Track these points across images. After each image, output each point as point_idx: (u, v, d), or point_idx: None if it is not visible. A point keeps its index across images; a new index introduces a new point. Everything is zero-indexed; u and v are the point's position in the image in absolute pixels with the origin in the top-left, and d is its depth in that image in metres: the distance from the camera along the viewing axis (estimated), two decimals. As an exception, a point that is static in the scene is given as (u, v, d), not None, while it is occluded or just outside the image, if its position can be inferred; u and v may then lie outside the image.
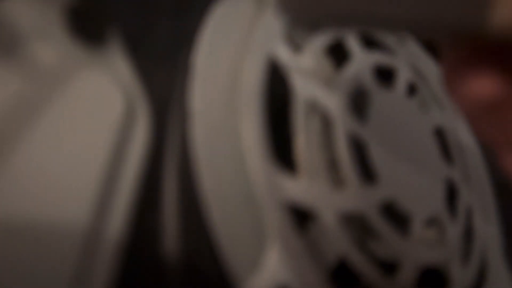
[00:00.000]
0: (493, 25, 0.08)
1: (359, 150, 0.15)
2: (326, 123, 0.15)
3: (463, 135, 0.21)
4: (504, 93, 0.09)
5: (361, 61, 0.17)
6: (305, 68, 0.15)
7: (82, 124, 0.11)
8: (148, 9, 0.13)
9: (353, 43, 0.17)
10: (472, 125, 0.09)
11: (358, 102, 0.16)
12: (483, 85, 0.09)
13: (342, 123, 0.15)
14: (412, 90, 0.19)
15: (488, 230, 0.20)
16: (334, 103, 0.15)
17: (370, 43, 0.18)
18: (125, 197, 0.11)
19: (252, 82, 0.14)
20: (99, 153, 0.11)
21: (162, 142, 0.12)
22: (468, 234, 0.19)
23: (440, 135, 0.19)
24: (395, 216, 0.16)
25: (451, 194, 0.18)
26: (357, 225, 0.15)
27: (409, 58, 0.20)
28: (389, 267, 0.15)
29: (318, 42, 0.16)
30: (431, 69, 0.21)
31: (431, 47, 0.24)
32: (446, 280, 0.17)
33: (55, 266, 0.10)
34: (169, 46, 0.13)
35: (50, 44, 0.11)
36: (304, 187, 0.13)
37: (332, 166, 0.15)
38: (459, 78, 0.09)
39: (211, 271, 0.12)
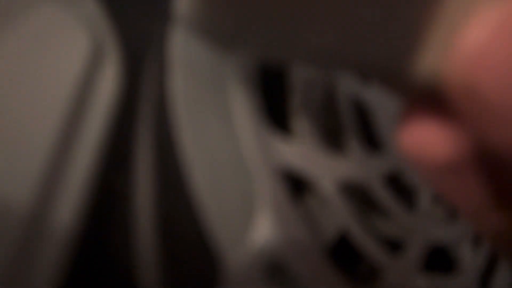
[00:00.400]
0: (421, 70, 0.08)
1: (363, 117, 0.14)
2: (328, 84, 0.13)
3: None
4: (455, 151, 0.08)
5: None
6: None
7: (36, 65, 0.09)
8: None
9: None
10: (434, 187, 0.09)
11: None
12: (431, 146, 0.08)
13: (346, 85, 0.13)
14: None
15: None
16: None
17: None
18: (86, 157, 0.10)
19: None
20: (55, 102, 0.09)
21: (135, 92, 0.11)
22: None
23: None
24: (401, 189, 0.14)
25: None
26: (359, 197, 0.13)
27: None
28: (394, 245, 0.13)
29: None
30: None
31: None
32: (454, 262, 0.15)
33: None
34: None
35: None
36: (300, 152, 0.12)
37: (333, 131, 0.13)
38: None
39: (192, 243, 0.10)
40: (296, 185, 0.12)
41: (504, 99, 0.07)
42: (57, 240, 0.09)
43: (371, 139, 0.14)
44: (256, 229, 0.11)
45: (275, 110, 0.12)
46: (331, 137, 0.13)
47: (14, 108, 0.09)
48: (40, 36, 0.09)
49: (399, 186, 0.14)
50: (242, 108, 0.11)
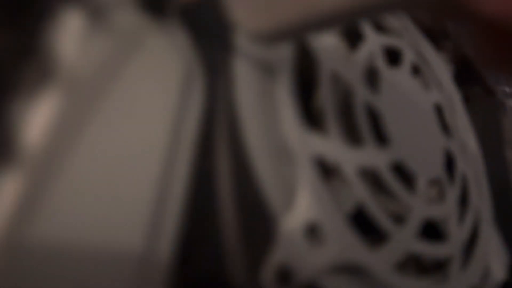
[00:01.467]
0: None
1: (374, 117, 0.18)
2: (346, 93, 0.17)
3: (459, 115, 0.24)
4: None
5: (373, 42, 0.19)
6: (328, 45, 0.17)
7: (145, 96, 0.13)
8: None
9: (366, 27, 0.19)
10: None
11: (371, 78, 0.19)
12: None
13: (360, 93, 0.17)
14: (415, 70, 0.22)
15: (480, 198, 0.22)
16: (352, 76, 0.17)
17: (379, 27, 0.21)
18: (180, 193, 0.13)
19: (283, 57, 0.16)
20: (157, 138, 0.13)
21: (213, 108, 0.14)
22: (464, 199, 0.21)
23: (439, 112, 0.22)
24: (403, 175, 0.18)
25: (449, 163, 0.21)
26: (372, 180, 0.17)
27: (413, 42, 0.22)
28: (398, 218, 0.17)
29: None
30: (430, 53, 0.24)
31: (430, 35, 0.26)
32: (444, 234, 0.19)
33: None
34: (217, 23, 0.16)
35: (125, 14, 0.13)
36: (329, 145, 0.16)
37: (353, 129, 0.17)
38: None
39: (256, 209, 0.14)
40: (325, 168, 0.16)
41: None
42: (161, 277, 0.12)
43: (380, 135, 0.18)
44: (298, 204, 0.15)
45: (310, 109, 0.16)
46: (352, 132, 0.17)
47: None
48: (152, 64, 0.13)
49: (402, 173, 0.18)
50: (287, 112, 0.15)
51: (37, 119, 0.11)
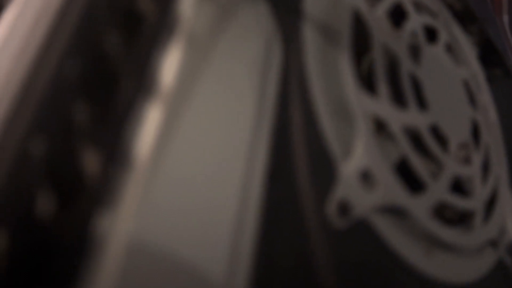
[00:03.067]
0: None
1: (416, 85, 0.20)
2: (393, 62, 0.20)
3: (483, 91, 0.26)
4: None
5: (415, 21, 0.22)
6: (380, 19, 0.20)
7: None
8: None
9: (410, 7, 0.22)
10: None
11: (414, 51, 0.21)
12: None
13: (405, 64, 0.20)
14: (449, 48, 0.24)
15: (499, 166, 0.25)
16: (399, 48, 0.20)
17: (420, 7, 0.23)
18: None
19: (344, 29, 0.19)
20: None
21: (288, 68, 0.17)
22: (486, 164, 0.24)
23: (467, 86, 0.25)
24: (438, 137, 0.21)
25: (475, 131, 0.24)
26: (413, 139, 0.20)
27: (447, 23, 0.25)
28: (433, 173, 0.20)
29: (386, 3, 0.21)
30: (460, 35, 0.26)
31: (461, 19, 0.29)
32: (469, 191, 0.22)
33: None
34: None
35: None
36: (380, 105, 0.19)
37: (399, 94, 0.20)
38: None
39: (322, 156, 0.17)
40: (377, 126, 0.19)
41: None
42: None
43: (420, 100, 0.20)
44: (356, 153, 0.17)
45: (365, 77, 0.19)
46: (399, 97, 0.20)
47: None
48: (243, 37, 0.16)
49: (437, 134, 0.21)
50: (347, 77, 0.18)
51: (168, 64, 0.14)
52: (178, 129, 0.13)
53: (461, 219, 0.22)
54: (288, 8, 0.18)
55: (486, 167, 0.24)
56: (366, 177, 0.18)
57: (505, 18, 0.62)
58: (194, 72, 0.14)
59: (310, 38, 0.18)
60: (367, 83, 0.19)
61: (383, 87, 0.19)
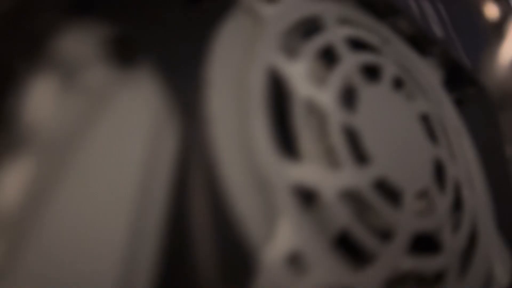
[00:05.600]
0: None
1: (352, 137, 0.18)
2: (322, 116, 0.18)
3: (449, 119, 0.24)
4: None
5: (349, 61, 0.19)
6: (301, 71, 0.18)
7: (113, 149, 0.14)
8: (175, 34, 0.16)
9: (341, 46, 0.20)
10: None
11: (348, 97, 0.19)
12: None
13: (334, 116, 0.17)
14: (397, 83, 0.22)
15: (476, 200, 0.22)
16: (327, 99, 0.18)
17: (357, 44, 0.21)
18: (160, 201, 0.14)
19: (256, 89, 0.17)
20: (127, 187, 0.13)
21: (188, 148, 0.15)
22: (458, 205, 0.21)
23: (426, 121, 0.22)
24: (388, 191, 0.18)
25: (439, 171, 0.21)
26: (355, 201, 0.17)
27: (395, 54, 0.23)
28: (385, 235, 0.17)
29: (310, 47, 0.19)
30: (415, 62, 0.24)
31: (416, 43, 0.26)
32: (438, 245, 0.19)
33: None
34: (189, 62, 0.16)
35: (92, 71, 0.14)
36: (306, 171, 0.16)
37: (330, 153, 0.17)
38: None
39: (236, 244, 0.15)
40: (306, 195, 0.16)
41: None
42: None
43: (361, 154, 0.18)
44: (279, 233, 0.15)
45: (286, 139, 0.17)
46: (330, 156, 0.17)
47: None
48: (119, 118, 0.14)
49: (387, 188, 0.18)
50: (262, 144, 0.16)
51: (12, 184, 0.12)
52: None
53: (437, 278, 0.19)
54: (188, 76, 0.16)
55: (458, 207, 0.21)
56: (296, 261, 0.15)
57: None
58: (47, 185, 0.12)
59: (216, 105, 0.16)
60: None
61: (308, 147, 0.17)
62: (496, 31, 0.15)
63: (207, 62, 0.16)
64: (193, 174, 0.15)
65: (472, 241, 0.21)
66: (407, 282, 0.18)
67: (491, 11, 0.15)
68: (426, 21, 0.50)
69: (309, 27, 0.20)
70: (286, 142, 0.17)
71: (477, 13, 0.56)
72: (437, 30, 0.47)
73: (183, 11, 0.17)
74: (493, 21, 0.16)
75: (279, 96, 0.17)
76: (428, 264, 0.18)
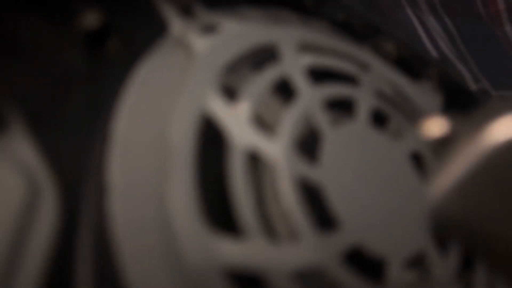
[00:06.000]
0: None
1: (313, 196, 0.14)
2: (270, 172, 0.14)
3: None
4: None
5: (309, 97, 0.16)
6: (243, 116, 0.14)
7: None
8: (57, 79, 0.12)
9: (299, 79, 0.16)
10: None
11: (309, 143, 0.15)
12: None
13: (288, 169, 0.14)
14: (379, 118, 0.18)
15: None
16: (277, 148, 0.14)
17: (327, 75, 0.17)
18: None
19: (181, 142, 0.13)
20: None
21: (74, 223, 0.11)
22: (468, 264, 0.17)
23: (419, 159, 0.18)
24: (366, 262, 0.14)
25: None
26: (319, 282, 0.13)
27: (376, 84, 0.19)
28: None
29: (258, 84, 0.15)
30: (406, 90, 0.20)
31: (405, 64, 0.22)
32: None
33: None
34: (84, 116, 0.12)
35: None
36: (246, 249, 0.12)
37: (281, 220, 0.13)
38: None
39: None
40: (249, 283, 0.12)
41: None
42: None
43: (325, 217, 0.14)
44: None
45: (220, 206, 0.13)
46: (281, 224, 0.13)
47: None
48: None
49: (363, 259, 0.14)
50: (183, 217, 0.12)
51: None
52: None
53: None
54: (77, 138, 0.12)
55: (468, 266, 0.17)
56: None
57: (508, 28, 0.55)
58: None
59: (120, 170, 0.12)
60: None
61: (250, 217, 0.13)
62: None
63: (112, 112, 0.13)
64: (81, 254, 0.11)
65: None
66: None
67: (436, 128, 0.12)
68: (431, 36, 0.46)
69: (264, 58, 0.17)
70: (221, 212, 0.13)
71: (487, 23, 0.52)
72: (443, 45, 0.42)
73: (83, 58, 0.13)
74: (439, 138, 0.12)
75: (214, 150, 0.14)
76: None
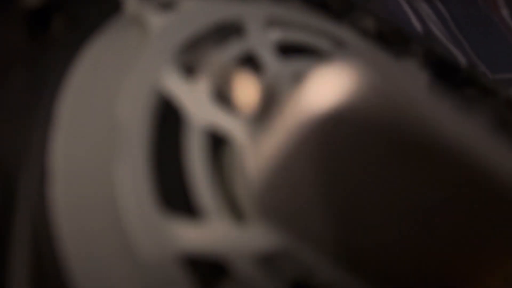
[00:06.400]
0: None
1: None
2: (233, 150, 0.13)
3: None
4: None
5: (276, 71, 0.15)
6: (202, 92, 0.13)
7: None
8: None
9: (265, 54, 0.15)
10: None
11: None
12: None
13: (249, 147, 0.13)
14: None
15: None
16: (239, 126, 0.13)
17: (296, 50, 0.16)
18: None
19: (131, 120, 0.12)
20: None
21: (9, 211, 0.10)
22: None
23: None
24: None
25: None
26: (288, 266, 0.12)
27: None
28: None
29: (220, 59, 0.14)
30: (387, 67, 0.19)
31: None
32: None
33: None
34: (25, 98, 0.12)
35: None
36: (205, 233, 0.11)
37: (248, 199, 0.12)
38: None
39: None
40: (212, 270, 0.11)
41: None
42: None
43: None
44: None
45: (176, 188, 0.12)
46: (243, 206, 0.12)
47: None
48: None
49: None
50: (131, 199, 0.11)
51: None
52: None
53: None
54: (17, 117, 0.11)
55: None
56: None
57: (504, 11, 0.54)
58: None
59: (63, 152, 0.11)
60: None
61: (209, 198, 0.12)
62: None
63: (56, 97, 0.12)
64: (17, 254, 0.10)
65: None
66: None
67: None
68: (422, 21, 0.45)
69: (230, 36, 0.16)
70: (177, 195, 0.12)
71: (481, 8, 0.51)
72: (436, 30, 0.41)
73: (24, 39, 0.12)
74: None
75: (169, 129, 0.13)
76: None
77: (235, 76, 0.14)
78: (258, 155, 0.10)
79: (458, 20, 0.46)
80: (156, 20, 0.14)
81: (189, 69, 0.14)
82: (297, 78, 0.15)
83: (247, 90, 0.14)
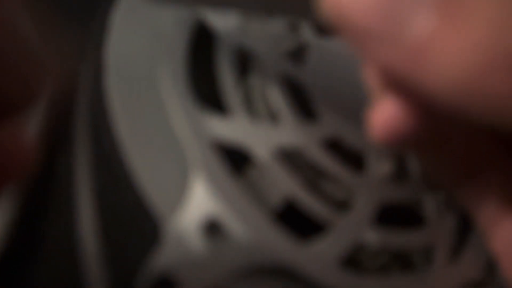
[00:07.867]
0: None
1: (296, 90, 0.15)
2: (256, 63, 0.15)
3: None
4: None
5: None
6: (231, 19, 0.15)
7: None
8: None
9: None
10: None
11: (298, 51, 0.16)
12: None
13: (274, 64, 0.15)
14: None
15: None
16: (264, 45, 0.15)
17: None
18: None
19: (174, 32, 0.14)
20: None
21: (74, 92, 0.12)
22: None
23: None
24: (346, 153, 0.15)
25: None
26: (304, 164, 0.14)
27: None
28: (341, 205, 0.14)
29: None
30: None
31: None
32: (420, 218, 0.16)
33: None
34: (87, 4, 0.14)
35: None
36: (232, 125, 0.13)
37: (264, 104, 0.14)
38: None
39: (132, 214, 0.12)
40: (237, 158, 0.13)
41: (369, 20, 0.07)
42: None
43: (307, 110, 0.15)
44: (192, 195, 0.12)
45: (207, 86, 0.14)
46: (264, 108, 0.14)
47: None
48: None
49: (343, 150, 0.15)
50: (173, 93, 0.13)
51: None
52: None
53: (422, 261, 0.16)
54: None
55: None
56: (213, 230, 0.12)
57: None
58: None
59: (116, 52, 0.13)
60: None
61: (234, 100, 0.14)
62: None
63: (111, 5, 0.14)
64: (79, 133, 0.12)
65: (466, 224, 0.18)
66: (397, 263, 0.15)
67: None
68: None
69: None
70: (210, 93, 0.14)
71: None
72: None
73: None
74: None
75: (204, 41, 0.15)
76: (403, 239, 0.15)
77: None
78: None
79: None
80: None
81: None
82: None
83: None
